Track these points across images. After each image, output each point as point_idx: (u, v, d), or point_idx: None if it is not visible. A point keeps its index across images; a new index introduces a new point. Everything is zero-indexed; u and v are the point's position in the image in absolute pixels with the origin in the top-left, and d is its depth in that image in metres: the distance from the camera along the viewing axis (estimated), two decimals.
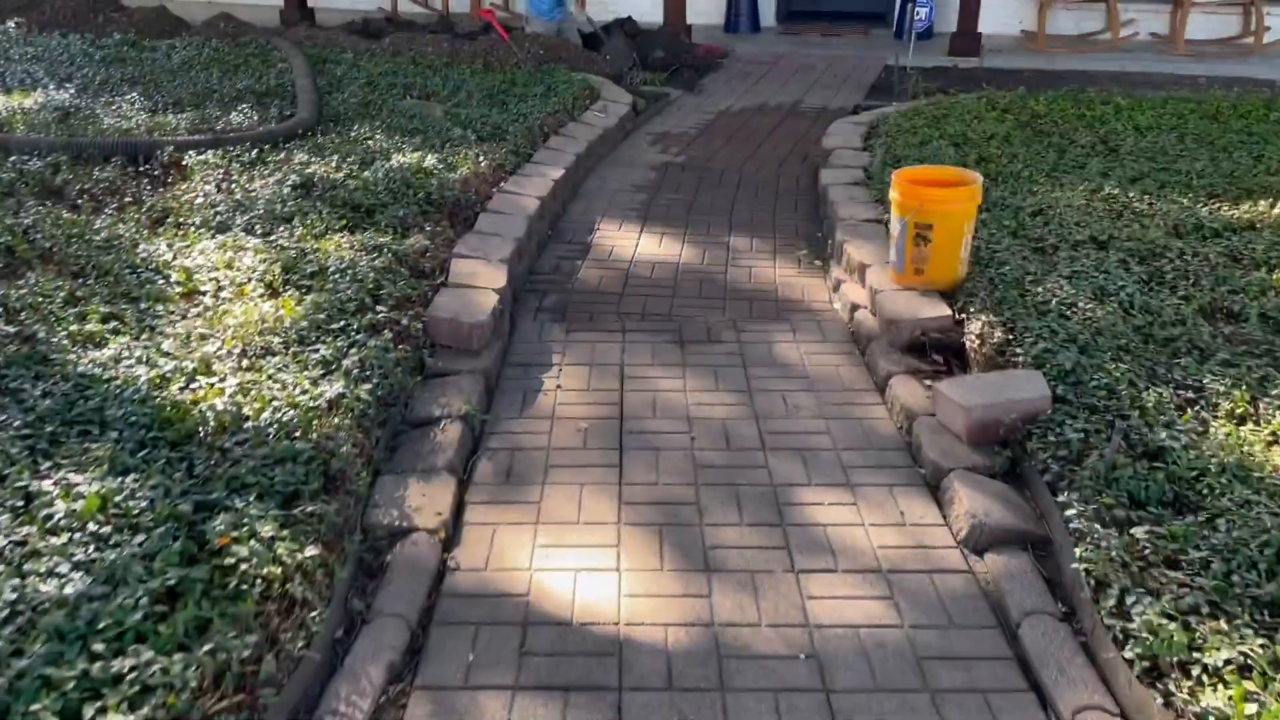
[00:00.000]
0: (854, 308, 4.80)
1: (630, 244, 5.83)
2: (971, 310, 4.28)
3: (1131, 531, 2.88)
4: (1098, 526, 2.89)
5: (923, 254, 4.49)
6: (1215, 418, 3.46)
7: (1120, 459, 3.18)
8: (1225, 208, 5.44)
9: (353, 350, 3.83)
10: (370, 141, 6.62)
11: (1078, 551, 2.84)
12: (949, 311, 4.32)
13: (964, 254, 4.53)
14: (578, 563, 3.09)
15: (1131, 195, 5.61)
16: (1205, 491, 3.06)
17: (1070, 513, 2.97)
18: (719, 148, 7.69)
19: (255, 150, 6.24)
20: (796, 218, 6.30)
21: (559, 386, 4.20)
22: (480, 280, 4.62)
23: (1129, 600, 2.61)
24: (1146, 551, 2.81)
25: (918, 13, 9.61)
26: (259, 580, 2.64)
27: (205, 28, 10.32)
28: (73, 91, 7.47)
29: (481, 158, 6.28)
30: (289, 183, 5.60)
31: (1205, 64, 9.83)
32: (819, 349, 4.56)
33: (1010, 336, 4.02)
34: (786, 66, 10.22)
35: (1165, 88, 8.99)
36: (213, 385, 3.49)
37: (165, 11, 10.79)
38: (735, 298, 5.12)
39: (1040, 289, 4.36)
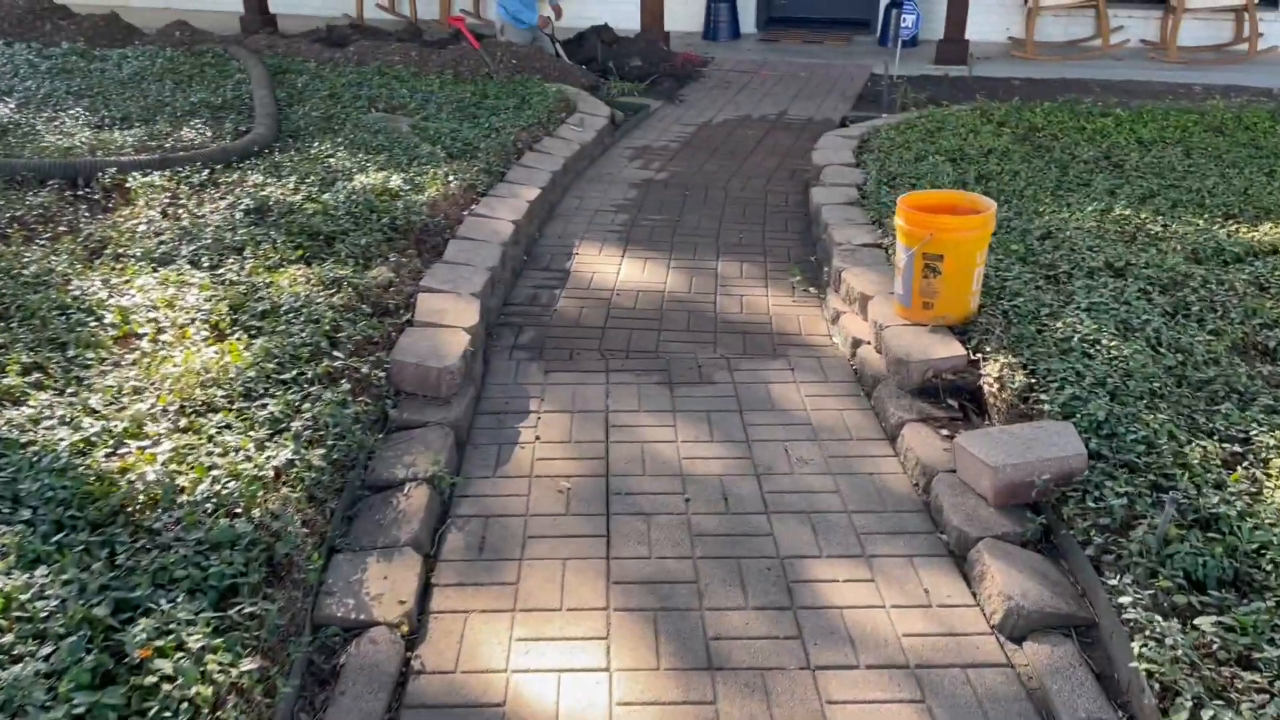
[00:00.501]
0: (856, 343, 4.44)
1: (612, 270, 5.44)
2: (987, 349, 3.92)
3: (1195, 623, 2.52)
4: (1157, 617, 2.53)
5: (932, 286, 4.13)
6: (1269, 475, 3.12)
7: (1172, 529, 2.82)
8: (1244, 229, 5.12)
9: (306, 405, 3.42)
10: (332, 159, 6.20)
11: (1135, 647, 2.48)
12: (963, 351, 3.96)
13: (976, 286, 4.18)
14: (561, 661, 2.69)
15: (1144, 216, 5.29)
16: (1270, 568, 2.70)
17: (1124, 600, 2.61)
18: (703, 163, 7.32)
19: (206, 171, 5.80)
20: (788, 239, 5.94)
21: (538, 438, 3.80)
22: (450, 317, 4.21)
23: (1205, 715, 2.25)
24: (1215, 647, 2.45)
25: (903, 20, 9.30)
26: (185, 705, 2.22)
27: (160, 36, 9.85)
28: (13, 106, 7.00)
29: (451, 177, 5.88)
30: (242, 207, 5.17)
31: (1199, 71, 9.57)
32: (820, 390, 4.19)
33: (1033, 380, 3.67)
34: (769, 75, 9.87)
35: (1160, 96, 8.71)
36: (144, 450, 3.07)
37: (117, 19, 10.29)
38: (727, 331, 4.74)
39: (1059, 323, 4.02)
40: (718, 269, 5.49)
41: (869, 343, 4.38)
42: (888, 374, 4.07)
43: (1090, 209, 5.38)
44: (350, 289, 4.30)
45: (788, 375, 4.31)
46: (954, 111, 7.43)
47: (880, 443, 3.78)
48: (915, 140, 6.76)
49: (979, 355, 3.94)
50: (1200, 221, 5.23)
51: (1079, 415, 3.40)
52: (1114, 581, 2.71)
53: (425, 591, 2.95)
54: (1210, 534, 2.84)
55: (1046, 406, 3.50)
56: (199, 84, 8.06)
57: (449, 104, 7.72)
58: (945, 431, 3.67)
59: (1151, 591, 2.62)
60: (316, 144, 6.57)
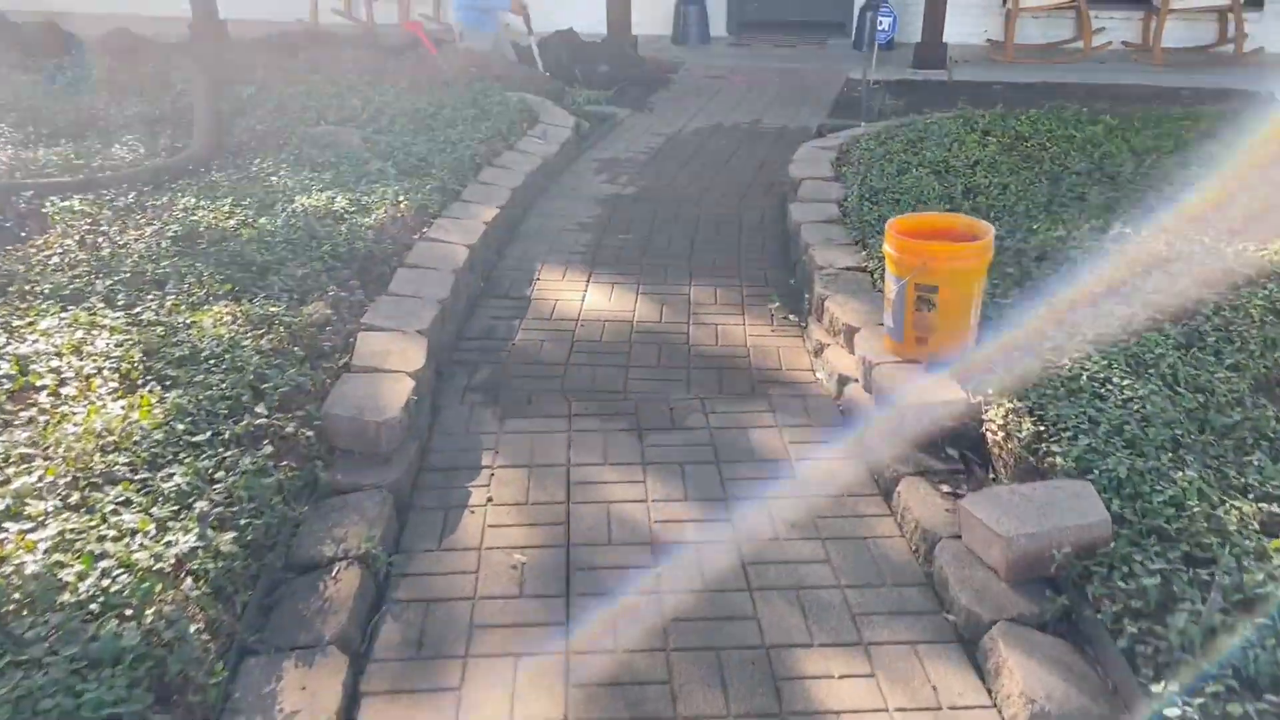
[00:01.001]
0: (843, 380, 4.05)
1: (576, 297, 5.03)
2: (989, 391, 3.54)
3: None
4: None
5: (926, 320, 3.74)
6: None
7: (1215, 615, 2.45)
8: (1252, 248, 4.78)
9: (220, 473, 2.98)
10: (273, 178, 5.75)
11: None
12: (962, 394, 3.57)
13: (974, 318, 3.80)
14: None
15: (1145, 234, 4.93)
16: None
17: (1172, 714, 2.22)
18: (673, 176, 6.92)
19: (134, 193, 5.34)
20: (765, 261, 5.54)
21: (490, 500, 3.38)
22: (393, 360, 3.78)
23: None
24: None
25: (880, 23, 8.94)
26: None
27: (100, 45, 9.32)
28: None
29: (402, 197, 5.44)
30: (169, 234, 4.72)
31: (1185, 74, 9.28)
32: (805, 435, 3.79)
33: (1041, 428, 3.29)
34: (741, 81, 9.49)
35: (1148, 101, 8.41)
36: (24, 536, 2.63)
37: (55, 27, 9.76)
38: (701, 366, 4.34)
39: (1065, 359, 3.64)
40: (690, 295, 5.08)
41: (857, 380, 4.00)
42: (879, 419, 3.68)
43: (1087, 226, 5.02)
44: (282, 329, 3.86)
45: (768, 418, 3.91)
46: (936, 120, 7.08)
47: (874, 499, 3.39)
48: (897, 151, 6.39)
49: (980, 398, 3.55)
50: (1205, 239, 4.88)
51: (1097, 471, 3.02)
52: (1157, 688, 2.32)
53: (353, 701, 2.53)
54: (1258, 618, 2.47)
55: (1059, 460, 3.12)
56: (137, 95, 7.58)
57: (403, 115, 7.28)
58: (946, 488, 3.28)
59: (1202, 701, 2.24)
60: (258, 161, 6.12)
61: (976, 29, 10.59)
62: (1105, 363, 3.63)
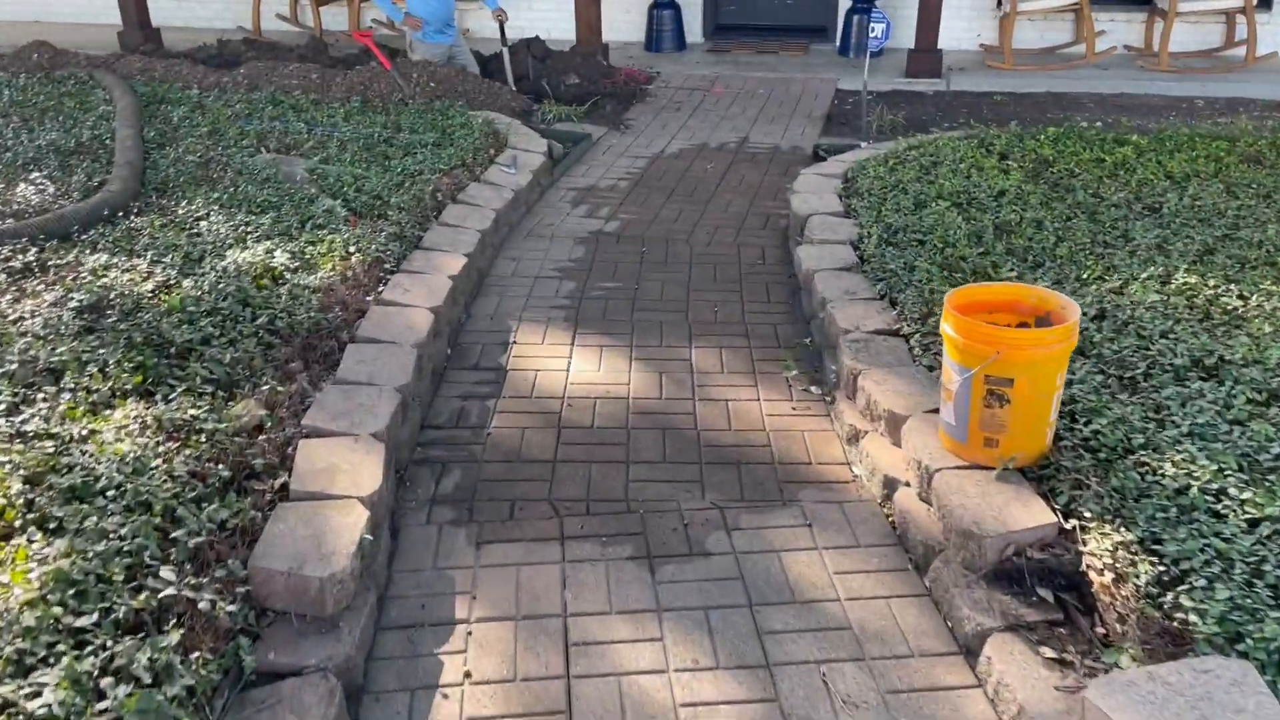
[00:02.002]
0: (890, 484, 3.37)
1: (560, 365, 4.31)
2: (1084, 512, 2.87)
3: None
4: None
5: (997, 419, 3.06)
6: None
7: None
8: None
9: (106, 680, 2.23)
10: (203, 224, 4.98)
11: None
12: (1051, 516, 2.90)
13: (1054, 415, 3.13)
14: None
15: (1212, 283, 4.30)
16: None
17: None
18: (659, 207, 6.20)
19: (35, 250, 4.54)
20: (772, 312, 4.85)
21: (467, 675, 2.65)
22: (342, 480, 3.04)
23: None
24: None
25: (872, 29, 8.27)
26: None
27: (15, 60, 8.42)
28: None
29: (353, 248, 4.69)
30: (72, 304, 3.94)
31: (1196, 82, 8.71)
32: (854, 563, 3.10)
33: (1160, 567, 2.62)
34: (723, 92, 8.79)
35: (1161, 112, 7.83)
36: None
37: None
38: (715, 460, 3.64)
39: (1166, 463, 2.99)
40: (692, 359, 4.38)
41: (908, 484, 3.31)
42: (946, 543, 3.00)
43: (1146, 276, 4.38)
44: (202, 440, 3.11)
45: (805, 536, 3.21)
46: (947, 140, 6.42)
47: (954, 661, 2.71)
48: (910, 180, 5.72)
49: (1074, 521, 2.88)
50: None
51: (1250, 640, 2.36)
52: None
53: None
54: None
55: (1193, 619, 2.45)
56: (53, 120, 6.73)
57: (355, 141, 6.50)
58: (1049, 652, 2.60)
59: None
60: (186, 202, 5.33)
61: (969, 33, 9.97)
62: (1215, 467, 2.97)
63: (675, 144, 7.43)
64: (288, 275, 4.34)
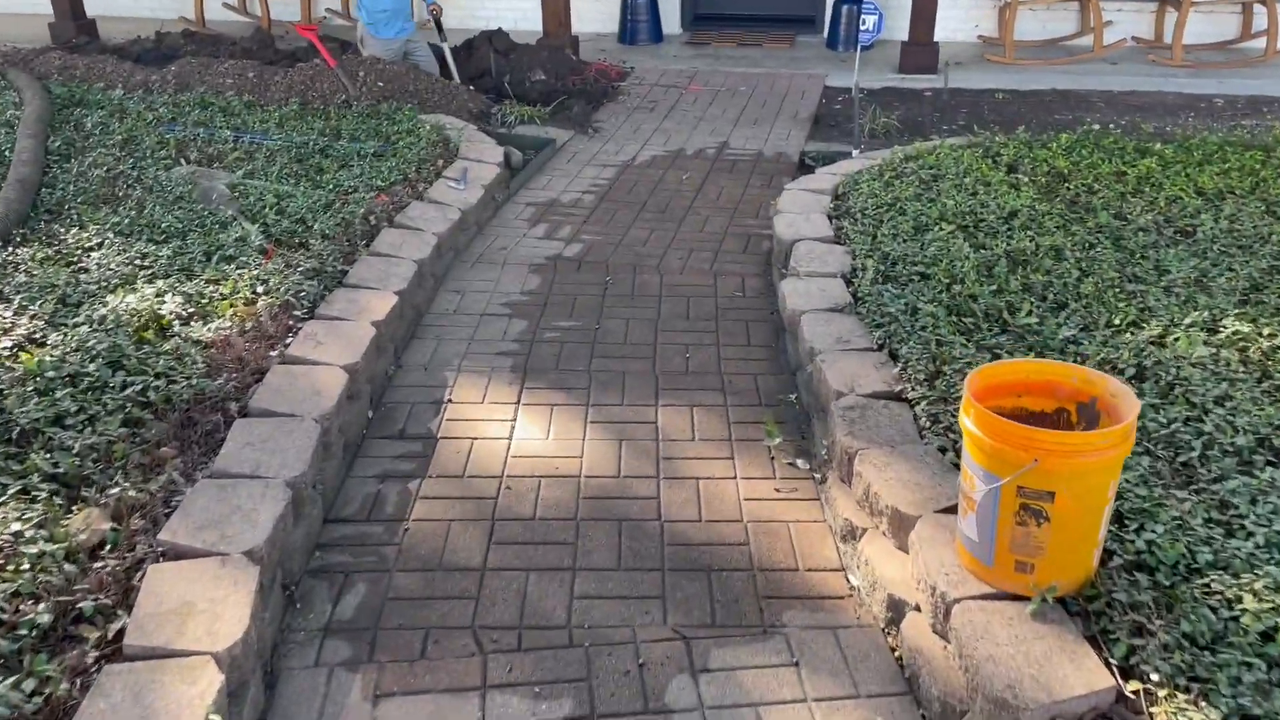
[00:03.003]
0: (895, 604, 2.72)
1: (501, 431, 3.64)
2: (1148, 671, 2.22)
3: None
4: None
5: (1033, 539, 2.41)
6: None
7: None
8: None
9: None
10: (93, 256, 4.29)
11: None
12: (1108, 677, 2.25)
13: (1103, 534, 2.47)
14: None
15: (1267, 331, 3.65)
16: None
17: None
18: (627, 226, 5.52)
19: None
20: (751, 358, 4.19)
21: None
22: (195, 626, 2.36)
23: None
24: None
25: (863, 21, 7.59)
26: None
27: None
28: None
29: (261, 287, 4.00)
30: None
31: (1213, 78, 8.06)
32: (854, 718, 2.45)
33: None
34: (701, 90, 8.10)
35: (1177, 113, 7.18)
36: None
37: None
38: (681, 565, 2.98)
39: (1243, 591, 2.35)
40: (658, 422, 3.72)
41: (918, 609, 2.66)
42: (971, 704, 2.34)
43: (1189, 322, 3.73)
44: (24, 567, 2.43)
45: (790, 680, 2.56)
46: (948, 149, 5.76)
47: None
48: (909, 197, 5.05)
49: (1136, 684, 2.23)
50: None
51: None
52: None
53: None
54: None
55: None
56: None
57: (286, 151, 5.79)
58: None
59: None
60: (80, 228, 4.63)
61: (965, 23, 9.29)
62: None
63: (648, 150, 6.74)
64: (176, 326, 3.66)
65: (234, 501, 2.79)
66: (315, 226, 4.64)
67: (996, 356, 3.55)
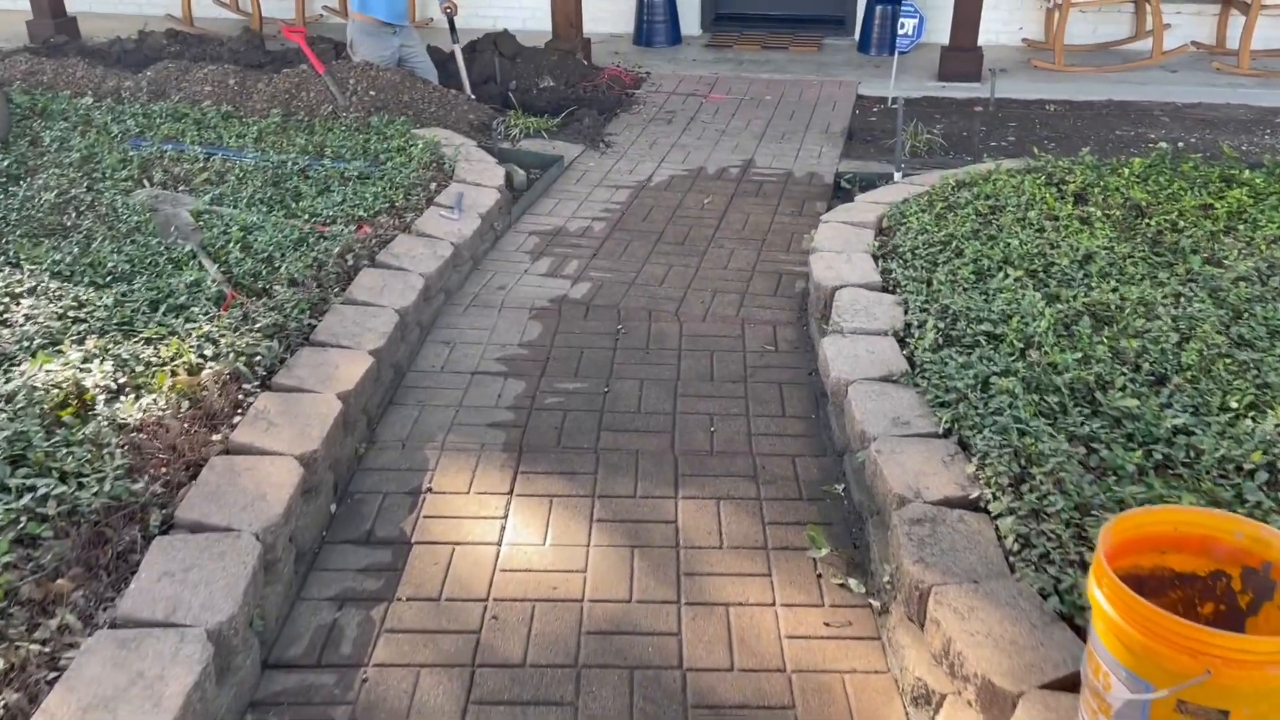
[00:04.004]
0: None
1: (489, 533, 3.02)
2: None
3: None
4: None
5: None
6: None
7: None
8: None
9: None
10: (21, 305, 3.68)
11: None
12: None
13: None
14: None
15: None
16: None
17: None
18: (641, 261, 4.88)
19: None
20: (787, 432, 3.56)
21: None
22: None
23: None
24: None
25: (901, 25, 6.94)
26: None
27: None
28: None
29: (210, 350, 3.38)
30: None
31: None
32: None
33: None
34: (723, 99, 7.44)
35: (1252, 130, 6.50)
36: None
37: None
38: None
39: None
40: (678, 521, 3.09)
41: None
42: None
43: None
44: None
45: None
46: (1005, 175, 5.10)
47: None
48: (966, 234, 4.40)
49: None
50: None
51: None
52: None
53: None
54: None
55: None
56: None
57: (261, 171, 5.18)
58: None
59: None
60: (13, 266, 4.03)
61: (1008, 26, 8.61)
62: None
63: (665, 169, 6.09)
64: (101, 404, 3.04)
65: (136, 666, 2.17)
66: (282, 268, 4.02)
67: (1091, 450, 2.92)
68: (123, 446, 2.84)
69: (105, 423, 2.92)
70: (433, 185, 5.13)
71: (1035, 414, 3.10)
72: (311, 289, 3.89)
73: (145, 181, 5.09)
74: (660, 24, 8.81)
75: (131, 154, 5.37)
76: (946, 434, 3.12)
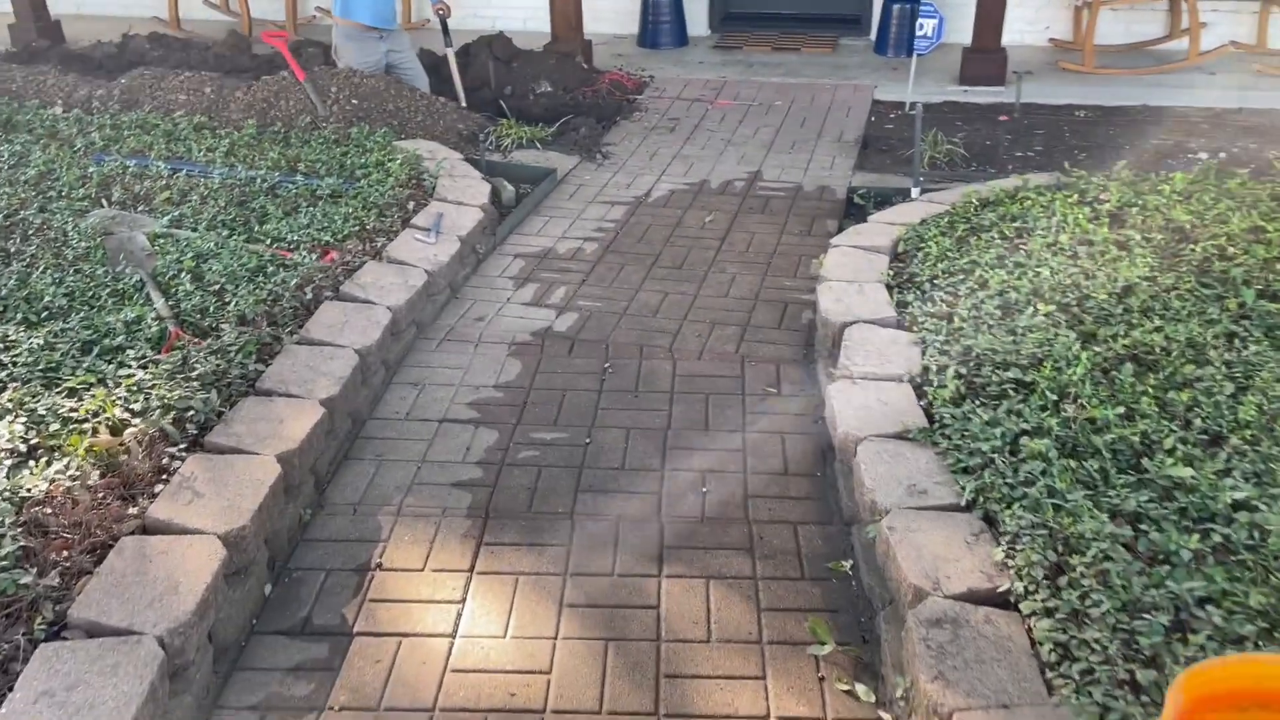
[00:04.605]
0: None
1: (443, 621, 2.64)
2: None
3: None
4: None
5: None
6: None
7: None
8: None
9: None
10: None
11: None
12: None
13: None
14: None
15: None
16: None
17: None
18: (635, 288, 4.48)
19: None
20: (788, 496, 3.15)
21: None
22: None
23: None
24: None
25: (920, 26, 6.51)
26: None
27: None
28: None
29: (138, 401, 3.01)
30: None
31: None
32: None
33: None
34: (730, 105, 7.03)
35: None
36: None
37: None
38: None
39: None
40: (661, 609, 2.70)
41: None
42: None
43: None
44: None
45: None
46: (1033, 191, 4.67)
47: None
48: (990, 260, 3.98)
49: None
50: None
51: None
52: None
53: None
54: None
55: None
56: None
57: (227, 190, 4.81)
58: None
59: None
60: None
61: (1034, 24, 8.14)
62: None
63: (665, 182, 5.68)
64: (4, 472, 2.67)
65: None
66: (233, 303, 3.65)
67: (1138, 529, 2.50)
68: (21, 526, 2.47)
69: (4, 496, 2.55)
70: (410, 204, 4.75)
71: (1072, 483, 2.69)
72: (262, 328, 3.51)
73: (104, 201, 4.73)
74: (666, 24, 8.40)
75: (92, 170, 5.01)
76: (970, 506, 2.71)
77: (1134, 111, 6.61)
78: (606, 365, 3.88)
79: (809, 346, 4.01)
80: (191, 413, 3.00)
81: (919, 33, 6.59)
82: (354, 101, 5.96)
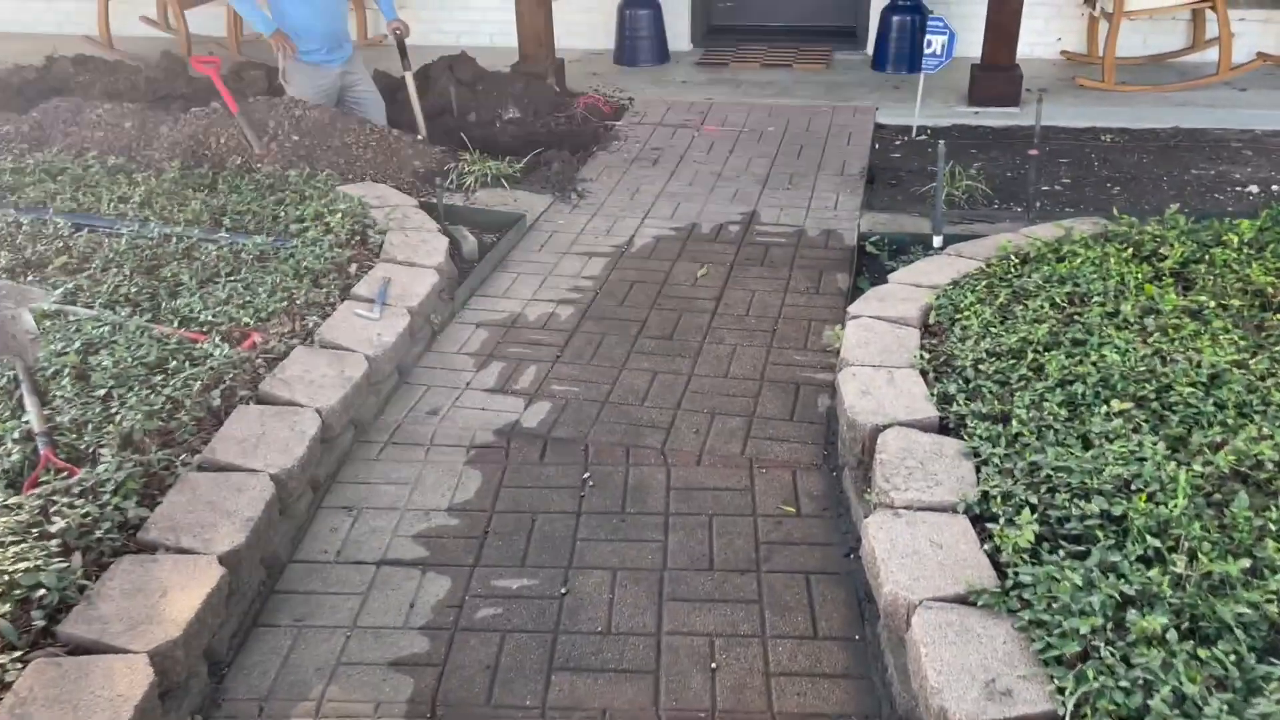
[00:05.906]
0: None
1: None
2: None
3: None
4: None
5: None
6: None
7: None
8: None
9: None
10: None
11: None
12: None
13: None
14: None
15: None
16: None
17: None
18: (618, 366, 3.79)
19: None
20: (819, 673, 2.48)
21: None
22: None
23: None
24: None
25: (928, 44, 5.85)
26: None
27: None
28: None
29: None
30: None
31: None
32: None
33: None
34: (717, 132, 6.34)
35: None
36: None
37: None
38: None
39: None
40: None
41: None
42: None
43: None
44: None
45: None
46: (1080, 244, 4.01)
47: None
48: (1041, 335, 3.32)
49: None
50: None
51: None
52: None
53: None
54: None
55: None
56: None
57: (136, 252, 4.09)
58: None
59: None
60: None
61: (1045, 36, 7.51)
62: None
63: (650, 227, 4.99)
64: None
65: None
66: (120, 416, 2.93)
67: None
68: None
69: None
70: (352, 268, 4.04)
71: (1195, 675, 2.03)
72: (150, 452, 2.80)
73: None
74: (645, 39, 7.70)
75: None
76: (1043, 669, 2.05)
77: (1165, 135, 5.98)
78: (586, 475, 3.19)
79: (830, 445, 3.33)
80: (42, 594, 2.28)
81: (927, 50, 5.93)
82: (295, 138, 5.23)
